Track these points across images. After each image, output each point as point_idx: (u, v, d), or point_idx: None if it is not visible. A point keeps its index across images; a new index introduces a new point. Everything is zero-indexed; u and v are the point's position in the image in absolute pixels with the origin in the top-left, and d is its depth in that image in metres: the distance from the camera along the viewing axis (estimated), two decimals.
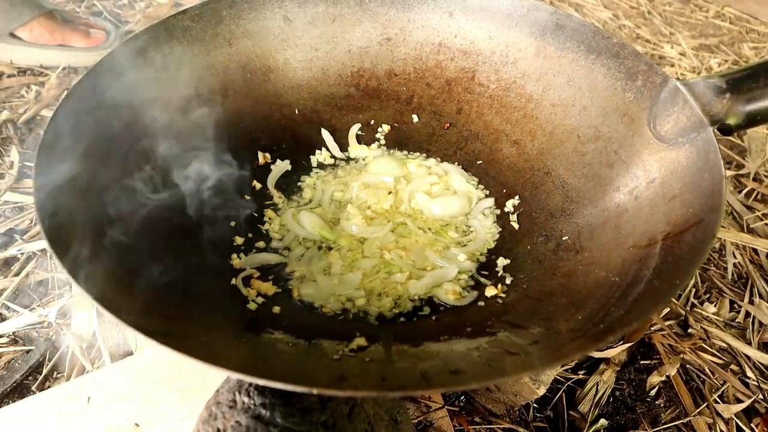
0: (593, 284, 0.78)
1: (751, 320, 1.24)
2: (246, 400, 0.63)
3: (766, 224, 1.46)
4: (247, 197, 1.03)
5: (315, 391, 0.49)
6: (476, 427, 1.00)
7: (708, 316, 1.24)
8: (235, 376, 0.52)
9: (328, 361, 0.70)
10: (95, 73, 0.83)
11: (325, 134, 1.15)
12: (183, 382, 0.93)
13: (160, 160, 0.89)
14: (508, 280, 0.94)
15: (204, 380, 0.90)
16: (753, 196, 1.56)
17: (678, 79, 0.83)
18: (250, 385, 0.64)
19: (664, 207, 0.79)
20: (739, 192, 1.57)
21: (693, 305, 1.26)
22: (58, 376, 1.05)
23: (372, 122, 1.18)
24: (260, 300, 0.87)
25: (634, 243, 0.79)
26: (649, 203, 0.81)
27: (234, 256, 0.94)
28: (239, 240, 0.97)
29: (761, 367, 1.16)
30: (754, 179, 1.61)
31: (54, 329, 1.11)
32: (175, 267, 0.78)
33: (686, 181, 0.77)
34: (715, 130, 0.77)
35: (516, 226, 1.03)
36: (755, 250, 1.40)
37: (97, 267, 0.64)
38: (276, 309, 0.86)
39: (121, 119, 0.85)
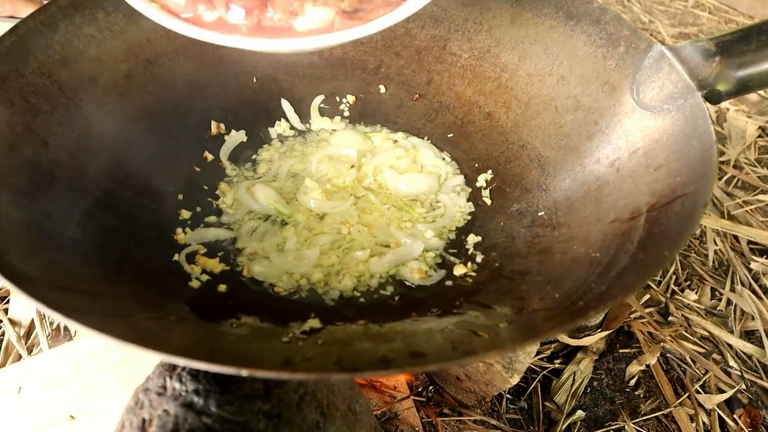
0: (571, 261, 0.72)
1: (732, 308, 1.19)
2: (177, 386, 0.55)
3: (746, 211, 1.42)
4: (197, 169, 0.95)
5: (244, 373, 0.41)
6: (445, 419, 0.94)
7: (689, 304, 1.19)
8: (169, 359, 0.45)
9: (276, 344, 0.63)
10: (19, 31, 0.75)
11: (285, 105, 1.07)
12: (126, 368, 0.86)
13: (97, 121, 0.82)
14: (478, 259, 0.87)
15: (151, 367, 0.82)
16: (733, 183, 1.51)
17: (663, 44, 0.78)
18: (183, 369, 0.57)
19: (648, 178, 0.73)
20: (720, 179, 1.52)
21: (673, 292, 1.21)
22: None
23: (336, 93, 1.10)
24: (205, 278, 0.79)
25: (616, 216, 0.73)
26: (632, 174, 0.76)
27: (179, 230, 0.85)
28: (186, 214, 0.88)
29: (744, 356, 1.11)
30: (735, 166, 1.57)
31: None
32: (105, 239, 0.70)
33: (673, 149, 0.72)
34: (704, 99, 0.71)
35: (488, 201, 0.95)
36: (736, 237, 1.35)
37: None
38: (222, 288, 0.78)
39: (54, 78, 0.78)
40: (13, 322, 1.03)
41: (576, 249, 0.73)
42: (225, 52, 1.00)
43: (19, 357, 0.99)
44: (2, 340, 1.01)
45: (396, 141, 1.05)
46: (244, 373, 0.41)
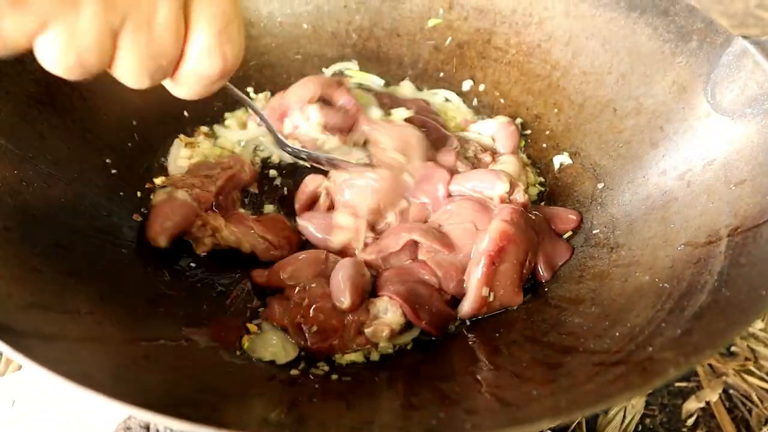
0: (633, 290, 0.62)
1: None
2: (161, 428, 0.47)
3: None
4: None
5: None
6: None
7: (755, 333, 1.07)
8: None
9: (280, 380, 0.54)
10: None
11: None
12: None
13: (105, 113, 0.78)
14: None
15: None
16: None
17: (745, 37, 0.69)
18: None
19: (727, 195, 0.64)
20: None
21: None
22: None
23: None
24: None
25: (687, 240, 0.63)
26: (707, 190, 0.66)
27: None
28: None
29: None
30: None
31: None
32: (105, 245, 0.64)
33: (759, 161, 0.62)
34: None
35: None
36: None
37: None
38: None
39: None
40: None
41: (638, 276, 0.63)
42: (249, 44, 0.91)
43: (20, 366, 0.92)
44: None
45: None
46: None
